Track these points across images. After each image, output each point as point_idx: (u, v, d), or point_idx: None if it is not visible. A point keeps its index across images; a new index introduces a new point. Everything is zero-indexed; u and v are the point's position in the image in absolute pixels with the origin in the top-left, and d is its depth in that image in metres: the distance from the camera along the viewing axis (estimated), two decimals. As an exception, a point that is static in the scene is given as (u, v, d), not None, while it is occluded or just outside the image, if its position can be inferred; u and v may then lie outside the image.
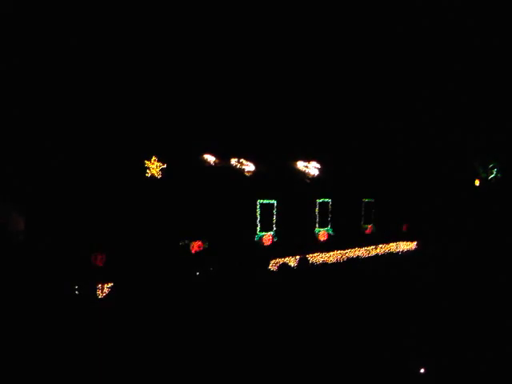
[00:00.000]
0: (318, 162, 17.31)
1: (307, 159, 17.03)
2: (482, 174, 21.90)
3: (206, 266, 8.40)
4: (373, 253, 18.26)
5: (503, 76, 19.56)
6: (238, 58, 14.61)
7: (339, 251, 16.73)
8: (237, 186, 14.52)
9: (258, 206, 15.30)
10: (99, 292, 9.89)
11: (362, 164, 19.14)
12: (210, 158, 14.09)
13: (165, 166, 12.69)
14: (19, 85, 10.46)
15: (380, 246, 18.69)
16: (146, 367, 5.12)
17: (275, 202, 15.82)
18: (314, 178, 17.07)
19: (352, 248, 17.31)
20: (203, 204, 13.62)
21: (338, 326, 6.17)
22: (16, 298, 6.80)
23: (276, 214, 15.82)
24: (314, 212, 17.38)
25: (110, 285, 10.10)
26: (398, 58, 18.57)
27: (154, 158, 12.51)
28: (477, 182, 21.88)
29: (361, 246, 17.78)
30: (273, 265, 14.01)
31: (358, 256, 17.46)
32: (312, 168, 17.05)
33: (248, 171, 14.99)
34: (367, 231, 19.34)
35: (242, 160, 14.91)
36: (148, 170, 12.41)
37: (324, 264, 15.63)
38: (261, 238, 15.30)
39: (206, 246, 13.46)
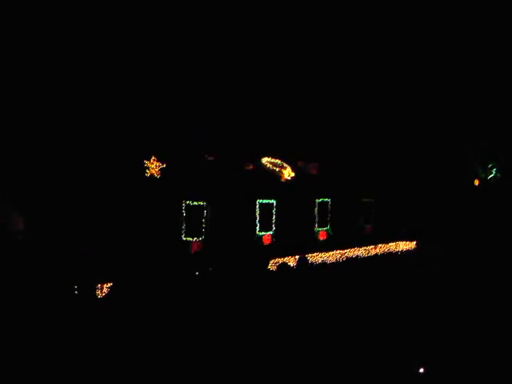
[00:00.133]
0: (318, 161, 17.33)
1: (307, 159, 17.04)
2: (482, 174, 21.92)
3: (206, 266, 8.40)
4: (372, 252, 18.28)
5: (503, 75, 19.57)
6: (236, 58, 14.61)
7: (338, 251, 16.75)
8: (236, 186, 14.53)
9: (257, 206, 15.30)
10: (98, 292, 9.89)
11: (361, 164, 19.15)
12: (210, 158, 14.10)
13: (164, 165, 12.68)
14: (19, 85, 10.46)
15: (379, 245, 18.71)
16: (146, 366, 5.12)
17: (274, 201, 15.83)
18: (312, 178, 17.07)
19: (351, 248, 17.33)
20: (203, 204, 13.63)
21: (338, 326, 6.17)
22: (15, 298, 6.79)
23: (275, 214, 15.83)
24: (314, 212, 17.40)
25: (109, 285, 10.10)
26: (398, 58, 18.57)
27: (153, 157, 12.51)
28: (476, 182, 21.90)
29: (360, 246, 17.80)
30: (272, 264, 14.02)
31: (357, 256, 17.48)
32: (311, 168, 17.05)
33: (248, 171, 15.00)
34: (366, 231, 19.37)
35: (241, 160, 14.92)
36: (147, 170, 12.41)
37: (323, 264, 15.65)
38: (260, 237, 15.31)
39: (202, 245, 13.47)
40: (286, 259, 14.43)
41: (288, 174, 16.11)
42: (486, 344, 6.25)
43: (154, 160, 12.49)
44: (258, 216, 15.30)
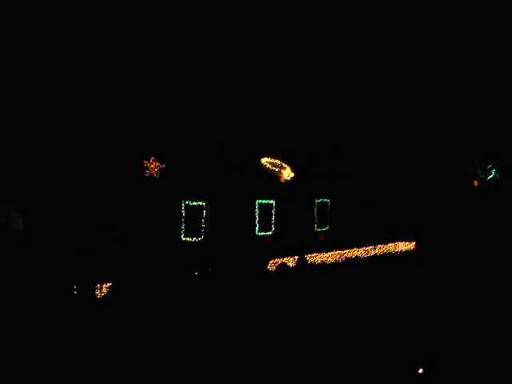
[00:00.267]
0: (316, 162, 17.33)
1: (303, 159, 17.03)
2: (481, 175, 21.93)
3: (205, 266, 8.41)
4: (371, 253, 18.28)
5: (502, 75, 19.59)
6: (235, 59, 14.61)
7: (338, 251, 16.76)
8: (236, 186, 14.53)
9: (256, 206, 15.30)
10: (98, 292, 9.89)
11: (361, 165, 19.16)
12: (210, 158, 14.10)
13: (164, 166, 12.69)
14: (19, 85, 10.46)
15: (379, 246, 18.72)
16: (145, 366, 5.12)
17: (274, 202, 15.83)
18: (312, 178, 17.08)
19: (351, 248, 17.34)
20: (202, 204, 13.63)
21: (337, 326, 6.17)
22: (15, 298, 6.79)
23: (275, 214, 15.83)
24: (313, 212, 17.40)
25: (108, 285, 10.10)
26: (396, 59, 18.59)
27: (152, 158, 12.51)
28: (475, 183, 21.91)
29: (359, 246, 17.81)
30: (271, 265, 14.02)
31: (356, 256, 17.49)
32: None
33: (247, 171, 15.00)
34: (366, 231, 19.36)
35: (240, 160, 14.93)
36: (147, 170, 12.41)
37: (323, 264, 15.67)
38: (260, 237, 15.30)
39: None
40: (285, 259, 14.44)
41: (287, 174, 16.12)
42: (485, 344, 6.25)
43: (153, 160, 12.49)
44: (257, 216, 15.30)
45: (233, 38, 14.31)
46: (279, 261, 14.20)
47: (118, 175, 11.75)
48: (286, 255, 14.52)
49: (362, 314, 6.67)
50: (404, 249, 19.82)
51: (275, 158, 15.97)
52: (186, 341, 5.55)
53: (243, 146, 14.86)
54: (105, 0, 11.55)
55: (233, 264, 12.25)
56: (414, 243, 20.05)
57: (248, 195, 15.00)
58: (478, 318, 7.07)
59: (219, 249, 13.39)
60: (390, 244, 19.41)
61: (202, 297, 6.71)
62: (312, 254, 15.62)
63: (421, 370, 5.64)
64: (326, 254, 16.26)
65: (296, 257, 14.61)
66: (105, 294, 9.69)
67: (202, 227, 13.66)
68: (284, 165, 16.12)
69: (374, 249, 18.51)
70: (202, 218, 13.66)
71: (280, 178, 16.06)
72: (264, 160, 15.76)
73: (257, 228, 15.26)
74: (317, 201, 17.49)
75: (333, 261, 16.39)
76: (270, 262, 14.07)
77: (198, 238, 13.49)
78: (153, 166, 12.48)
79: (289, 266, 14.26)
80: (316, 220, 17.37)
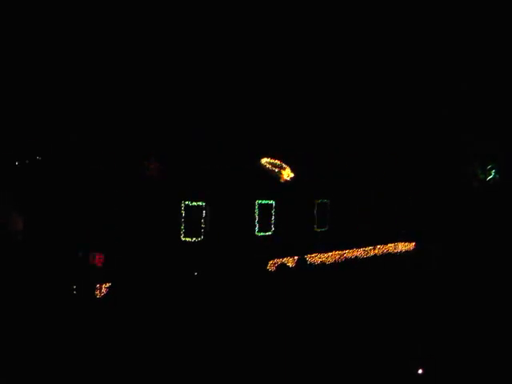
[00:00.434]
0: (316, 162, 17.31)
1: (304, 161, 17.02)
2: (481, 176, 21.92)
3: (205, 266, 8.41)
4: (371, 253, 18.27)
5: (502, 76, 19.58)
6: (236, 60, 14.61)
7: (337, 252, 16.74)
8: (235, 187, 14.51)
9: (256, 207, 15.28)
10: (97, 292, 9.87)
11: (360, 165, 19.14)
12: (210, 159, 14.09)
13: (163, 166, 12.67)
14: (19, 85, 10.45)
15: (378, 246, 18.71)
16: (144, 365, 5.12)
17: (274, 202, 15.80)
18: (312, 179, 17.06)
19: (350, 249, 17.32)
20: (202, 204, 13.62)
21: (337, 326, 6.17)
22: (15, 297, 6.79)
23: (274, 215, 15.80)
24: (313, 212, 17.36)
25: (108, 285, 10.09)
26: (394, 57, 18.58)
27: (152, 158, 12.49)
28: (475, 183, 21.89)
29: (359, 247, 17.79)
30: (271, 265, 14.02)
31: (356, 256, 17.47)
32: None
33: (247, 172, 14.99)
34: (366, 232, 19.33)
35: (240, 160, 14.92)
36: (147, 171, 12.39)
37: (322, 264, 15.66)
38: (259, 238, 15.28)
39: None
40: (285, 260, 14.43)
41: (287, 174, 16.11)
42: (485, 345, 6.25)
43: (153, 161, 12.47)
44: (257, 216, 15.27)
45: (233, 39, 14.31)
46: (279, 261, 14.20)
47: (118, 175, 11.73)
48: (286, 255, 14.51)
49: (361, 314, 6.67)
50: (404, 249, 19.81)
51: (275, 159, 15.96)
52: (186, 340, 5.55)
53: (243, 147, 14.85)
54: (107, 1, 11.54)
55: (232, 264, 12.25)
56: (414, 244, 20.04)
57: (248, 195, 14.97)
58: (479, 318, 7.07)
59: (219, 249, 13.38)
60: (390, 244, 19.40)
61: (202, 296, 6.72)
62: (312, 254, 15.60)
63: (420, 371, 5.64)
64: (326, 255, 16.24)
65: (296, 257, 14.62)
66: (104, 294, 9.69)
67: (202, 227, 13.65)
68: (284, 165, 16.11)
69: (374, 249, 18.51)
70: (201, 218, 13.64)
71: (280, 178, 16.04)
72: (264, 160, 15.75)
73: (256, 228, 15.23)
74: (317, 201, 17.46)
75: (332, 261, 16.39)
76: (270, 262, 14.07)
77: (197, 238, 13.47)
78: (152, 167, 12.46)
79: (288, 266, 14.28)
80: (316, 220, 17.33)
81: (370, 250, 18.31)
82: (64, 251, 10.50)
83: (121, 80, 12.06)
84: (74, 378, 4.83)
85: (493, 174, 21.91)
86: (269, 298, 6.42)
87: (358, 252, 17.72)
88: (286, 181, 16.15)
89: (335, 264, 16.18)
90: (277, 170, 16.04)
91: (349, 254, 17.20)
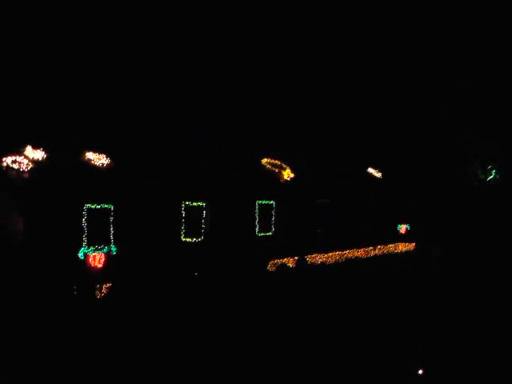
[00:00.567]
0: (316, 163, 17.32)
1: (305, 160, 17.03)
2: (481, 176, 21.92)
3: (205, 266, 8.41)
4: (371, 254, 18.28)
5: (502, 76, 19.58)
6: (236, 61, 14.63)
7: (338, 252, 16.74)
8: (236, 187, 14.51)
9: (256, 207, 15.28)
10: (98, 292, 9.88)
11: (361, 166, 19.15)
12: (210, 159, 14.09)
13: (164, 166, 12.67)
14: (19, 86, 10.46)
15: (379, 247, 18.71)
16: (145, 365, 5.12)
17: (274, 202, 15.81)
18: (312, 179, 17.06)
19: (351, 249, 17.33)
20: (202, 204, 13.62)
21: (337, 327, 6.17)
22: (16, 298, 6.79)
23: (275, 215, 15.81)
24: (313, 212, 17.36)
25: (108, 285, 10.10)
26: (394, 57, 18.58)
27: (153, 159, 12.48)
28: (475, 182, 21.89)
29: (360, 247, 17.80)
30: (271, 265, 14.02)
31: (356, 257, 17.47)
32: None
33: (248, 172, 14.99)
34: (366, 232, 19.34)
35: (241, 161, 14.92)
36: (147, 171, 12.38)
37: (323, 264, 15.66)
38: (259, 238, 15.28)
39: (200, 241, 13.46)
40: (285, 260, 14.43)
41: (287, 175, 16.11)
42: (485, 345, 6.25)
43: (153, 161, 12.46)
44: (257, 217, 15.28)
45: (234, 40, 14.32)
46: (279, 261, 14.20)
47: (119, 176, 11.73)
48: (286, 256, 14.51)
49: (362, 314, 6.67)
50: (404, 249, 19.81)
51: (275, 159, 15.97)
52: (186, 340, 5.55)
53: (243, 147, 14.86)
54: (112, 3, 11.56)
55: (233, 264, 12.25)
56: (414, 244, 20.05)
57: (248, 196, 14.98)
58: (479, 319, 7.06)
59: (219, 249, 13.38)
60: (390, 245, 19.40)
61: (202, 296, 6.72)
62: (312, 254, 15.61)
63: (421, 371, 5.64)
64: (326, 255, 16.25)
65: (296, 257, 14.61)
66: (105, 295, 9.70)
67: (202, 227, 13.65)
68: (284, 165, 16.12)
69: (374, 249, 18.51)
70: (202, 218, 13.65)
71: (280, 178, 16.05)
72: (264, 161, 15.76)
73: (257, 228, 15.24)
74: (317, 201, 17.46)
75: (333, 261, 16.39)
76: (270, 262, 14.07)
77: (197, 238, 13.48)
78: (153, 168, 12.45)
79: (289, 266, 14.28)
80: (316, 220, 17.33)
81: (371, 250, 18.32)
82: (64, 252, 10.51)
83: (121, 81, 12.07)
84: (74, 379, 4.83)
85: (493, 174, 21.92)
86: (269, 298, 6.42)
87: (359, 252, 17.72)
88: (287, 181, 16.16)
89: (336, 264, 16.18)
90: (277, 171, 16.05)
91: (349, 254, 17.20)
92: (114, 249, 11.53)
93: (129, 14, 12.11)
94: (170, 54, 13.11)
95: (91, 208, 11.27)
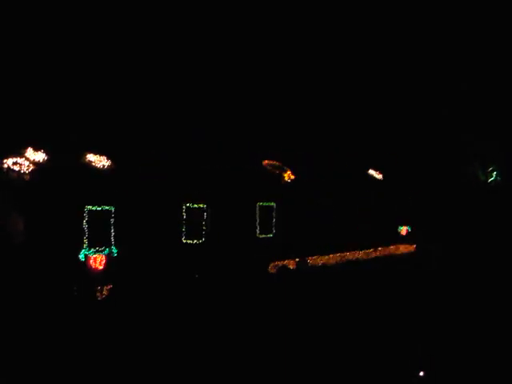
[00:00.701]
0: (316, 164, 17.31)
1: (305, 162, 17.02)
2: (482, 177, 21.91)
3: (206, 268, 8.40)
4: (372, 255, 18.25)
5: (502, 76, 19.57)
6: (235, 61, 14.63)
7: (338, 254, 16.71)
8: (236, 189, 14.50)
9: (257, 209, 15.27)
10: (98, 294, 9.87)
11: (361, 166, 19.14)
12: (210, 161, 14.09)
13: (165, 168, 12.67)
14: (20, 87, 10.46)
15: (379, 248, 18.68)
16: (146, 367, 5.11)
17: (274, 204, 15.79)
18: (313, 180, 17.05)
19: (351, 250, 17.29)
20: (203, 206, 13.61)
21: (338, 328, 6.15)
22: (16, 299, 6.78)
23: (275, 217, 15.79)
24: (314, 214, 17.33)
25: (109, 287, 10.08)
26: (394, 57, 18.58)
27: (153, 159, 12.48)
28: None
29: (360, 249, 17.77)
30: (272, 267, 14.00)
31: (357, 259, 17.45)
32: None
33: (248, 174, 14.99)
34: (367, 233, 19.31)
35: (241, 162, 14.92)
36: (148, 172, 12.37)
37: (323, 266, 15.65)
38: (260, 240, 15.26)
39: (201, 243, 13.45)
40: (286, 262, 14.41)
41: (288, 176, 16.10)
42: (486, 345, 6.23)
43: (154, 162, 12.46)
44: (257, 218, 15.26)
45: (235, 41, 14.33)
46: (280, 263, 14.19)
47: (119, 177, 11.73)
48: (287, 257, 14.49)
49: (362, 315, 6.66)
50: (405, 251, 19.78)
51: (276, 161, 15.97)
52: (187, 342, 5.54)
53: (244, 149, 14.86)
54: (113, 5, 11.58)
55: (234, 266, 12.24)
56: (415, 246, 20.01)
57: (249, 197, 14.96)
58: (479, 320, 7.05)
59: (220, 251, 13.36)
60: (391, 246, 19.37)
61: (203, 298, 6.71)
62: (313, 256, 15.58)
63: (422, 373, 5.62)
64: (327, 257, 16.22)
65: (297, 259, 14.60)
66: (105, 296, 9.68)
67: (203, 229, 13.64)
68: (285, 167, 16.12)
69: (375, 251, 18.48)
70: (202, 220, 13.64)
71: (281, 180, 16.05)
72: (265, 162, 15.76)
73: (257, 230, 15.23)
74: (317, 203, 17.44)
75: (334, 263, 16.36)
76: (271, 264, 14.05)
77: (198, 240, 13.46)
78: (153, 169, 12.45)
79: (289, 268, 14.27)
80: (317, 222, 17.30)
81: (372, 251, 18.29)
82: (65, 253, 10.50)
83: (122, 81, 12.07)
84: (74, 379, 4.83)
85: (494, 175, 21.90)
86: (270, 299, 6.41)
87: (360, 254, 17.69)
88: (287, 183, 16.15)
89: (336, 266, 16.16)
90: (278, 172, 16.04)
91: (350, 256, 17.18)
92: (114, 250, 11.52)
93: (130, 16, 12.12)
94: (170, 55, 13.11)
95: (92, 210, 11.26)
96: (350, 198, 18.58)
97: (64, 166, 10.67)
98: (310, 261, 15.06)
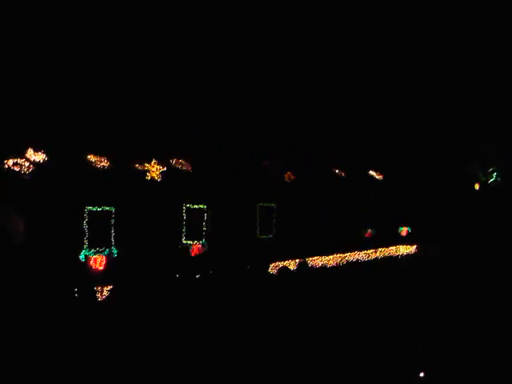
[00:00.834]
0: (317, 164, 17.32)
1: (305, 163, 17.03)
2: (482, 178, 21.91)
3: (206, 269, 8.38)
4: (372, 256, 18.24)
5: (502, 76, 19.59)
6: (235, 60, 14.65)
7: (339, 255, 16.71)
8: (237, 189, 14.51)
9: (257, 209, 15.29)
10: (99, 295, 9.88)
11: (361, 167, 19.15)
12: (211, 161, 14.11)
13: (165, 168, 12.69)
14: (20, 88, 10.48)
15: (380, 249, 18.67)
16: (146, 369, 5.11)
17: (275, 205, 15.81)
18: (313, 180, 17.06)
19: (352, 252, 17.29)
20: (203, 207, 13.63)
21: (338, 329, 6.15)
22: (16, 300, 6.78)
23: (276, 217, 15.80)
24: (314, 215, 17.35)
25: (109, 287, 10.09)
26: (394, 57, 18.59)
27: (154, 160, 12.51)
28: (476, 186, 21.87)
29: (360, 250, 17.76)
30: (272, 268, 13.99)
31: (357, 259, 17.44)
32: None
33: (248, 174, 15.00)
34: (367, 235, 19.32)
35: (241, 163, 14.93)
36: (148, 173, 12.39)
37: (324, 267, 15.63)
38: (260, 240, 15.28)
39: (206, 249, 13.46)
40: (286, 263, 14.40)
41: (289, 177, 16.12)
42: (486, 347, 6.23)
43: (154, 163, 12.48)
44: (258, 219, 15.28)
45: (235, 40, 14.35)
46: (280, 264, 14.18)
47: (120, 178, 11.75)
48: (288, 258, 14.48)
49: (362, 316, 6.64)
50: (405, 252, 19.77)
51: (277, 161, 15.98)
52: (187, 344, 5.54)
53: (244, 149, 14.87)
54: (112, 5, 11.60)
55: (234, 267, 12.23)
56: (415, 246, 20.01)
57: (249, 198, 14.98)
58: (480, 320, 7.04)
59: (220, 252, 13.38)
60: (392, 247, 19.36)
61: (204, 300, 6.70)
62: (313, 257, 15.58)
63: (422, 374, 5.62)
64: (327, 258, 16.22)
65: (297, 260, 14.59)
66: (106, 297, 9.69)
67: (203, 230, 13.66)
68: (285, 168, 16.13)
69: (376, 252, 18.47)
70: (203, 221, 13.66)
71: (281, 181, 16.06)
72: (265, 163, 15.77)
73: (258, 231, 15.24)
74: (318, 203, 17.45)
75: (334, 264, 16.36)
76: (272, 265, 14.05)
77: (199, 241, 13.48)
78: (154, 169, 12.47)
79: (290, 269, 14.25)
80: (317, 223, 17.31)
81: (372, 252, 18.28)
82: (65, 254, 10.51)
83: (122, 82, 12.09)
84: (74, 380, 4.83)
85: (494, 177, 21.90)
86: (270, 300, 6.40)
87: (360, 255, 17.69)
88: (288, 184, 16.17)
89: (337, 267, 16.15)
90: (278, 173, 16.06)
91: (350, 256, 17.18)
92: (115, 251, 11.55)
93: (129, 16, 12.13)
94: (170, 56, 13.13)
95: (92, 210, 11.28)
96: (350, 199, 18.59)
97: (64, 167, 10.69)
98: (310, 261, 15.06)
